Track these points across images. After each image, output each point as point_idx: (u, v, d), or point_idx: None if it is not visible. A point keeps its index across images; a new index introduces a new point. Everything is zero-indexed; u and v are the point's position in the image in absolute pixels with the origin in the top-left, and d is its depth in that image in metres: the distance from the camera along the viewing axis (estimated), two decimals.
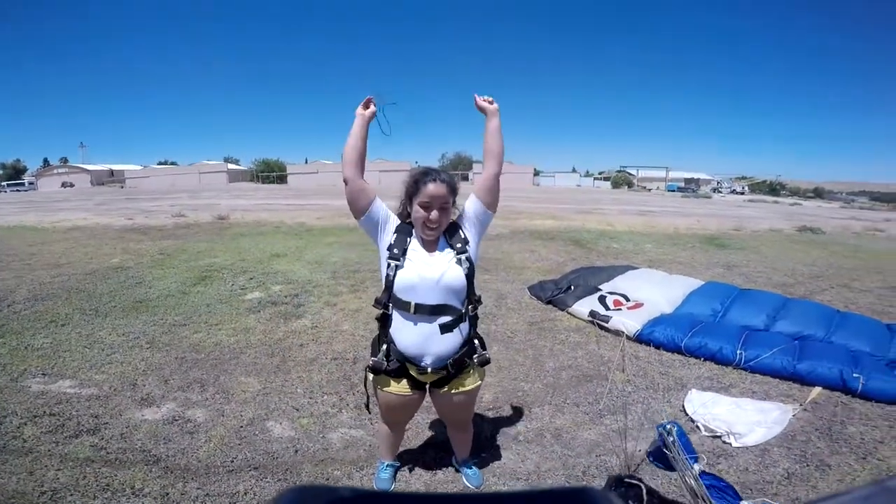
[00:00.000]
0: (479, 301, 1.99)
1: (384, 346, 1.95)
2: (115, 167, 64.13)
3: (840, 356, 3.51)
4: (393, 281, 1.87)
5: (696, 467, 1.64)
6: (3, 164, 75.60)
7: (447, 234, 1.94)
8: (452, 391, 2.03)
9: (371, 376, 2.05)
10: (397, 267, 1.87)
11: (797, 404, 3.16)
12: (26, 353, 3.84)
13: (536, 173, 59.79)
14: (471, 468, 2.45)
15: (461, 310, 1.92)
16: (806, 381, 3.42)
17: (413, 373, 1.96)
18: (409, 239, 1.91)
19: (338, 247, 8.86)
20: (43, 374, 3.50)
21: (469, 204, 1.99)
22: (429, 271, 1.85)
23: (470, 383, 2.05)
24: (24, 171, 72.26)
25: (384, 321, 1.94)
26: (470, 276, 1.91)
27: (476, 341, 2.01)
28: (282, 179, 54.61)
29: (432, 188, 1.82)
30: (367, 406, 2.18)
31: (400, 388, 2.00)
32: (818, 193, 67.72)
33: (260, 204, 19.98)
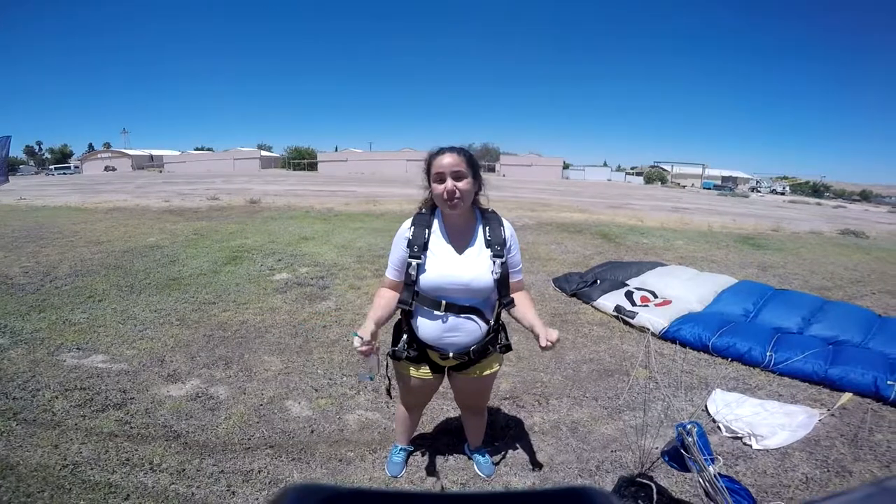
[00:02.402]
0: (510, 303, 1.88)
1: (405, 336, 1.93)
2: (155, 152, 66.35)
3: (876, 362, 3.35)
4: (416, 280, 1.80)
5: (713, 469, 1.60)
6: (51, 148, 79.15)
7: (487, 228, 1.85)
8: (472, 375, 2.01)
9: (391, 362, 2.05)
10: (419, 265, 1.79)
11: (825, 409, 3.05)
12: (64, 328, 4.02)
13: (566, 166, 58.91)
14: (483, 456, 2.45)
15: (492, 310, 1.89)
16: (837, 386, 3.29)
17: (434, 358, 1.94)
18: (428, 231, 1.82)
19: (364, 232, 8.95)
20: (78, 348, 3.65)
21: (512, 249, 1.88)
22: (458, 272, 1.78)
23: (489, 368, 2.02)
24: (70, 155, 75.53)
25: (407, 312, 1.90)
26: (502, 282, 1.82)
27: (501, 332, 1.98)
28: (312, 167, 55.36)
29: (442, 159, 1.73)
30: (388, 391, 2.16)
31: (420, 372, 2.00)
32: (865, 196, 64.60)
33: (290, 189, 20.30)
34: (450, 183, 1.70)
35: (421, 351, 1.93)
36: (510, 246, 1.87)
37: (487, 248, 1.82)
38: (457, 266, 1.79)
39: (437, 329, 1.85)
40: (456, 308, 1.81)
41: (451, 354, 1.89)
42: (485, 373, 2.02)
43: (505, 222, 1.89)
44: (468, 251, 1.82)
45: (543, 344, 1.68)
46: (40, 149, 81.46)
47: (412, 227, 1.83)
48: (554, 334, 1.68)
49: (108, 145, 77.23)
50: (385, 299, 1.88)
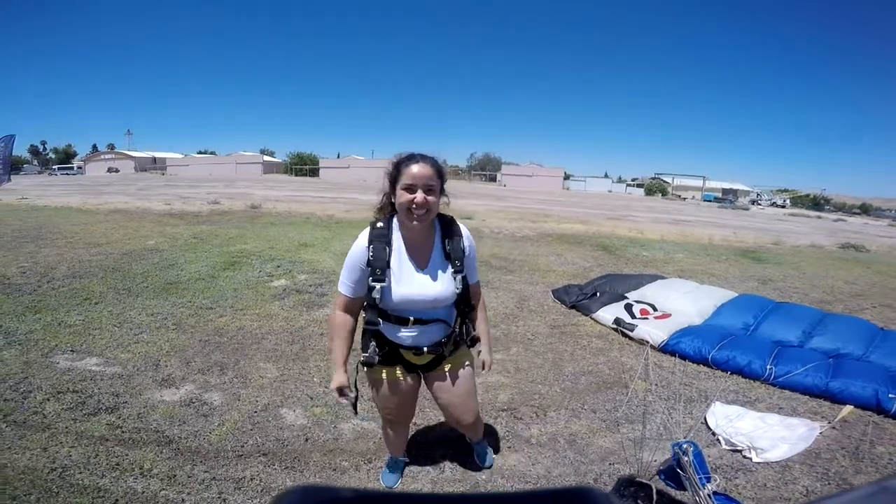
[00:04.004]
0: (471, 310, 1.97)
1: (373, 342, 1.87)
2: (158, 154, 66.47)
3: (877, 375, 3.33)
4: (381, 302, 1.78)
5: (709, 487, 1.57)
6: (55, 148, 79.64)
7: (447, 240, 1.82)
8: (447, 369, 1.98)
9: (364, 369, 1.97)
10: (384, 289, 1.75)
11: (825, 422, 3.02)
12: (59, 330, 3.99)
13: (567, 177, 58.98)
14: (483, 447, 2.49)
15: (455, 316, 1.94)
16: (837, 399, 3.27)
17: (408, 357, 1.91)
18: (388, 249, 1.75)
19: None
20: (72, 350, 3.62)
21: (469, 257, 1.89)
22: (424, 291, 1.77)
23: (460, 363, 2.01)
24: (74, 155, 75.87)
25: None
26: (463, 294, 1.86)
27: (465, 324, 1.99)
28: (314, 173, 55.38)
29: (416, 168, 1.67)
30: (354, 406, 1.97)
31: (394, 373, 1.95)
32: (865, 209, 64.74)
33: (292, 195, 20.32)
34: (420, 196, 1.66)
35: (393, 350, 1.89)
36: (469, 255, 1.88)
37: (447, 260, 1.81)
38: (420, 284, 1.78)
39: (405, 334, 1.86)
40: (422, 321, 1.83)
41: (425, 350, 1.87)
42: (458, 367, 2.00)
43: (463, 230, 1.88)
44: (429, 266, 1.80)
45: (484, 370, 2.06)
46: (44, 148, 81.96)
47: (371, 246, 1.75)
48: (488, 364, 2.04)
49: (111, 146, 77.51)
50: (343, 332, 1.88)
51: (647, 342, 4.16)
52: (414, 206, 1.67)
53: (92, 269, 5.95)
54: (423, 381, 2.07)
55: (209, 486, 2.25)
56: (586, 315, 4.99)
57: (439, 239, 1.84)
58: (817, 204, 63.16)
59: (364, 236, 1.79)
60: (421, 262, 1.80)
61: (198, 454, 2.48)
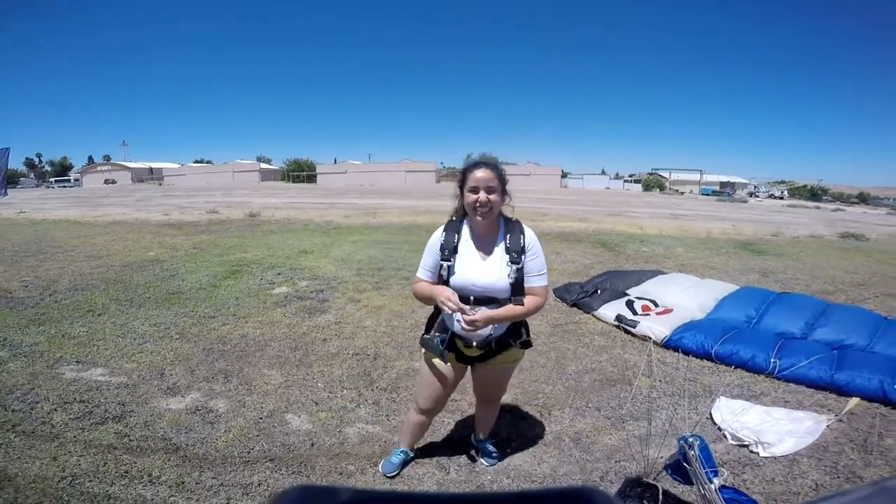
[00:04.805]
0: (520, 303, 2.05)
1: (437, 324, 2.10)
2: (154, 165, 66.62)
3: (882, 366, 3.32)
4: (448, 280, 2.00)
5: (717, 481, 1.57)
6: (51, 160, 79.61)
7: (508, 235, 2.03)
8: (493, 366, 2.18)
9: (423, 350, 2.18)
10: (450, 267, 2.00)
11: (832, 414, 3.02)
12: (63, 342, 4.00)
13: (564, 175, 59.01)
14: (490, 446, 2.55)
15: (511, 301, 2.05)
16: (843, 391, 3.26)
17: (460, 346, 2.11)
18: (457, 235, 2.04)
19: (363, 244, 8.95)
20: (77, 361, 3.63)
21: (530, 254, 2.03)
22: (482, 277, 1.98)
23: (509, 360, 2.19)
24: (70, 167, 75.87)
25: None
26: (517, 285, 1.99)
27: (522, 327, 2.14)
28: (311, 179, 55.44)
29: (479, 173, 1.94)
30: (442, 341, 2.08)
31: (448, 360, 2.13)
32: (863, 199, 64.65)
33: (290, 202, 20.36)
34: (483, 195, 1.93)
35: (450, 339, 2.07)
36: (529, 252, 2.03)
37: (507, 254, 2.01)
38: (480, 270, 1.99)
39: (461, 328, 1.97)
40: (484, 300, 1.99)
41: (474, 344, 2.06)
42: (504, 364, 2.20)
43: (526, 230, 2.07)
44: (490, 257, 2.02)
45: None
46: (40, 161, 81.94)
47: (444, 233, 2.06)
48: (472, 317, 1.90)
49: (107, 158, 77.63)
50: (428, 284, 2.07)
51: (650, 338, 4.17)
52: (478, 204, 1.94)
53: (93, 281, 5.97)
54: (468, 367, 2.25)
55: (217, 492, 2.26)
56: (588, 313, 5.00)
57: (503, 235, 2.06)
58: (815, 194, 63.03)
59: (441, 228, 2.11)
60: (484, 252, 2.04)
61: (205, 461, 2.48)
